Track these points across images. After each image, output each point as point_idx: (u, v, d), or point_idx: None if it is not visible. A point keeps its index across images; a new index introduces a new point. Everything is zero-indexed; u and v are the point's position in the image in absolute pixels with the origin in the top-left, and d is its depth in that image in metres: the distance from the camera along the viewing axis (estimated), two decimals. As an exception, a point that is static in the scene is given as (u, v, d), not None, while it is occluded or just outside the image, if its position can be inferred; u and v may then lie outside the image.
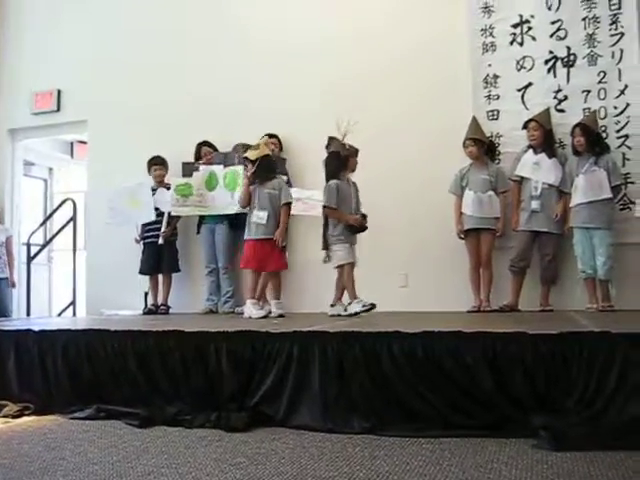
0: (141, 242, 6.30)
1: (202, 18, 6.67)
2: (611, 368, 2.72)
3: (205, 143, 6.30)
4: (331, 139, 4.87)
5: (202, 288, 6.28)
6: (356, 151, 4.86)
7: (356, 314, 4.58)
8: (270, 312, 4.96)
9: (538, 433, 2.62)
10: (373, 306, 4.61)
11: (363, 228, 4.82)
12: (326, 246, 4.86)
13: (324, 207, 4.84)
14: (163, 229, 6.14)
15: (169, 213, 6.11)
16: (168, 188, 6.17)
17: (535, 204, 5.19)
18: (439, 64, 5.72)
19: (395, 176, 5.03)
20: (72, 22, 7.27)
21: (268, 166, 5.04)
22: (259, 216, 4.92)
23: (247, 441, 2.81)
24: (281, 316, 4.88)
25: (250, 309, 4.90)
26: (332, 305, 4.86)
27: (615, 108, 5.26)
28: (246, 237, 5.06)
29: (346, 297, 4.81)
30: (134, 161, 6.38)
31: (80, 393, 3.57)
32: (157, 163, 6.35)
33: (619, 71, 5.25)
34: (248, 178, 5.03)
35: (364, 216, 4.82)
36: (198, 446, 2.76)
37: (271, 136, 5.94)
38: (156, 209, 6.15)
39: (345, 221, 4.76)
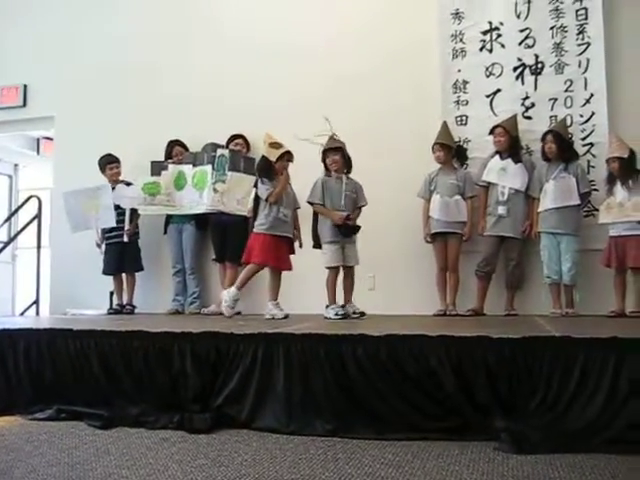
0: (103, 245, 6.23)
1: (173, 16, 6.63)
2: (572, 372, 2.76)
3: (177, 142, 6.25)
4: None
5: (168, 288, 6.22)
6: (333, 148, 4.97)
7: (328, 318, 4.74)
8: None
9: (500, 436, 2.65)
10: (346, 316, 4.77)
11: (352, 228, 4.88)
12: (317, 244, 4.98)
13: (307, 202, 5.01)
14: (127, 227, 6.07)
15: (131, 210, 6.06)
16: (127, 184, 6.12)
17: (502, 209, 5.25)
18: (411, 70, 5.76)
19: (364, 179, 5.06)
20: (40, 16, 7.17)
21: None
22: (285, 213, 4.90)
23: (210, 443, 2.80)
24: (286, 317, 4.77)
25: (273, 310, 4.83)
26: (327, 307, 4.89)
27: (581, 116, 5.35)
28: (262, 231, 4.87)
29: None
30: (102, 159, 6.30)
31: (41, 393, 3.51)
32: (113, 161, 6.27)
33: (585, 80, 5.34)
34: (288, 177, 4.97)
35: (348, 217, 4.87)
36: (160, 447, 2.74)
37: (237, 137, 5.94)
38: (117, 207, 6.07)
39: (328, 218, 4.90)
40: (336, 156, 4.98)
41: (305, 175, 5.08)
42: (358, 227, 4.94)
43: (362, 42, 5.91)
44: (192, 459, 2.54)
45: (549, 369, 2.79)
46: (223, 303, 4.91)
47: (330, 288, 4.93)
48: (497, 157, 5.34)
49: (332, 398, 2.97)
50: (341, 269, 4.97)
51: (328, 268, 4.94)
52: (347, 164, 5.03)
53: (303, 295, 5.37)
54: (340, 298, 4.96)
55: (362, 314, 4.85)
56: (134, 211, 6.07)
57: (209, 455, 2.60)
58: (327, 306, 4.89)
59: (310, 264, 5.08)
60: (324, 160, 5.04)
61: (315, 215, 5.04)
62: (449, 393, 2.85)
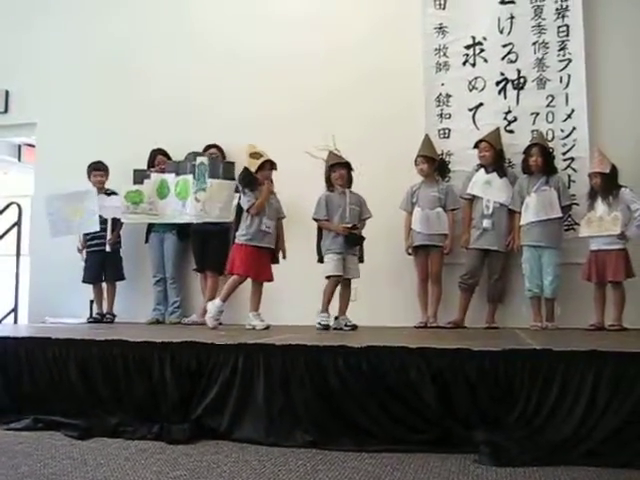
0: (84, 251, 6.18)
1: (157, 24, 6.61)
2: (551, 385, 2.78)
3: (160, 151, 6.23)
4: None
5: (149, 298, 6.17)
6: (340, 163, 5.02)
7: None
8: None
9: (480, 448, 2.65)
10: (327, 327, 4.83)
11: (357, 238, 4.92)
12: (321, 259, 5.01)
13: (313, 219, 5.05)
14: (109, 236, 6.04)
15: (113, 219, 6.04)
16: (108, 194, 6.11)
17: (487, 223, 5.26)
18: (396, 83, 5.76)
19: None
20: (22, 22, 7.12)
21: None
22: (268, 225, 4.89)
23: (189, 454, 2.78)
24: (267, 328, 4.77)
25: (254, 321, 4.83)
26: (318, 313, 4.92)
27: (562, 131, 5.40)
28: (243, 242, 4.87)
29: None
30: (84, 166, 6.23)
31: (18, 403, 3.47)
32: (98, 169, 6.22)
33: (566, 95, 5.39)
34: (271, 187, 4.98)
35: (354, 226, 4.92)
36: (138, 458, 2.71)
37: (211, 146, 5.97)
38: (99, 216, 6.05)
39: (331, 231, 4.95)
40: (342, 171, 5.03)
41: (295, 185, 5.14)
42: (363, 238, 4.97)
43: (348, 56, 5.90)
44: (170, 470, 2.52)
45: (529, 382, 2.81)
46: (207, 314, 4.89)
47: (327, 296, 4.91)
48: (482, 171, 5.36)
49: (312, 409, 2.96)
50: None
51: (328, 277, 4.93)
52: (350, 179, 5.08)
53: (288, 306, 5.37)
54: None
55: (354, 327, 4.86)
56: (116, 221, 6.06)
57: (188, 466, 2.57)
58: (319, 312, 4.88)
59: (296, 275, 5.09)
60: (329, 175, 5.06)
61: (319, 231, 5.07)
62: (429, 405, 2.86)
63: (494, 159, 5.33)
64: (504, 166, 5.40)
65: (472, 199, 5.40)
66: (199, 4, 6.56)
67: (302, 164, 5.07)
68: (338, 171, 5.03)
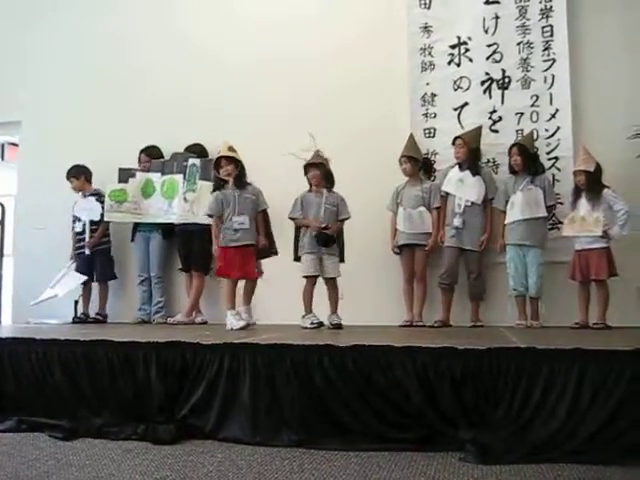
0: (72, 260, 6.18)
1: (145, 22, 6.57)
2: (536, 383, 2.79)
3: (144, 150, 6.19)
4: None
5: (135, 298, 6.14)
6: (314, 163, 5.03)
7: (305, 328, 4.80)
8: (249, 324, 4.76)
9: (465, 447, 2.67)
10: (321, 324, 4.84)
11: (327, 238, 4.89)
12: (297, 257, 5.03)
13: (289, 218, 5.07)
14: (87, 239, 6.05)
15: (90, 221, 6.06)
16: (85, 195, 6.15)
17: (457, 221, 5.26)
18: (383, 84, 5.77)
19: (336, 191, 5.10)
20: (6, 20, 7.07)
21: (245, 171, 4.94)
22: (240, 221, 4.77)
23: (174, 454, 2.77)
24: (252, 324, 4.74)
25: (231, 320, 4.67)
26: (303, 316, 4.94)
27: (546, 131, 5.43)
28: (224, 244, 4.77)
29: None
30: (68, 165, 6.20)
31: (1, 404, 3.44)
32: (70, 176, 6.22)
33: (551, 95, 5.43)
34: (225, 178, 4.86)
35: (326, 227, 4.91)
36: (124, 459, 2.70)
37: (194, 145, 5.97)
38: (80, 219, 6.09)
39: (305, 225, 4.96)
40: (316, 171, 5.03)
41: (279, 185, 5.14)
42: (333, 238, 4.94)
43: (334, 57, 5.88)
44: (156, 470, 2.51)
45: (514, 380, 2.82)
46: (232, 326, 4.65)
47: (305, 298, 4.95)
48: (456, 168, 5.38)
49: (298, 409, 2.96)
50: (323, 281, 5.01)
51: (304, 277, 4.96)
52: (328, 179, 5.06)
53: (270, 305, 5.35)
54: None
55: (338, 326, 4.86)
56: (96, 222, 6.04)
57: (173, 467, 2.57)
58: (303, 316, 4.91)
59: (289, 274, 5.07)
60: (306, 174, 5.09)
61: (297, 231, 5.07)
62: (415, 404, 2.86)
63: (467, 156, 5.32)
64: (478, 164, 5.38)
65: (446, 196, 5.41)
66: (188, 6, 6.54)
67: (287, 164, 5.06)
68: (312, 171, 5.05)
